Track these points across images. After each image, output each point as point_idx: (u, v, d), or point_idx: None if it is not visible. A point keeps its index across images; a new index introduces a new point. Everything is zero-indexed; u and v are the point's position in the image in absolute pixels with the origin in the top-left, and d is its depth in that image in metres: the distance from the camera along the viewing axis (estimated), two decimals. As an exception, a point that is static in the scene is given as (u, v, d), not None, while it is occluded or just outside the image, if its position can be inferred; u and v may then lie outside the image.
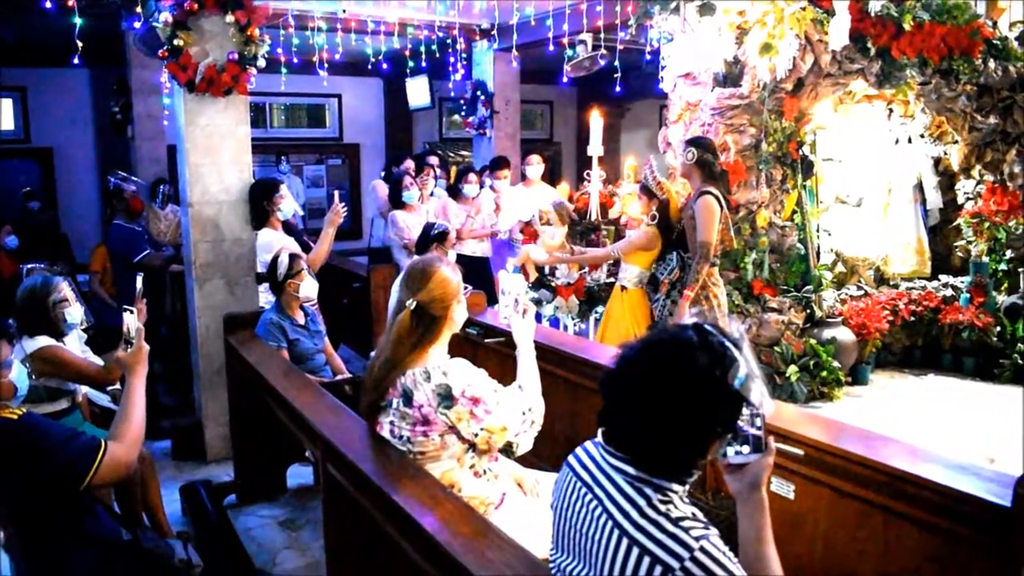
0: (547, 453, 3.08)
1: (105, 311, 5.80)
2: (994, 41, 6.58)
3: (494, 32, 8.30)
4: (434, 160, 7.49)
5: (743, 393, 1.54)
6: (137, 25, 6.30)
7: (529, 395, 2.61)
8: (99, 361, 3.81)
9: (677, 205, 5.07)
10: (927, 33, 6.04)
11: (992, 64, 6.54)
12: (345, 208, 5.05)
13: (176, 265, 6.35)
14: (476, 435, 2.43)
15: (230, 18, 4.74)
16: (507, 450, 2.54)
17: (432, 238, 5.11)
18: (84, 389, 3.87)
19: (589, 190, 6.07)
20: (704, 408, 1.53)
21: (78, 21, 4.81)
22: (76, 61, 4.73)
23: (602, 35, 6.79)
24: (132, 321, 2.76)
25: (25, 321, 3.58)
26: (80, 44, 4.60)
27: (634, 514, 1.52)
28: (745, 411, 1.57)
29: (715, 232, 4.67)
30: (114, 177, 6.37)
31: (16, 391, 2.60)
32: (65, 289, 3.70)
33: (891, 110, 7.02)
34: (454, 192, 7.06)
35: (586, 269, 5.80)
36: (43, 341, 3.56)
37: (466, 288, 2.72)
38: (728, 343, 1.57)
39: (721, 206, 4.73)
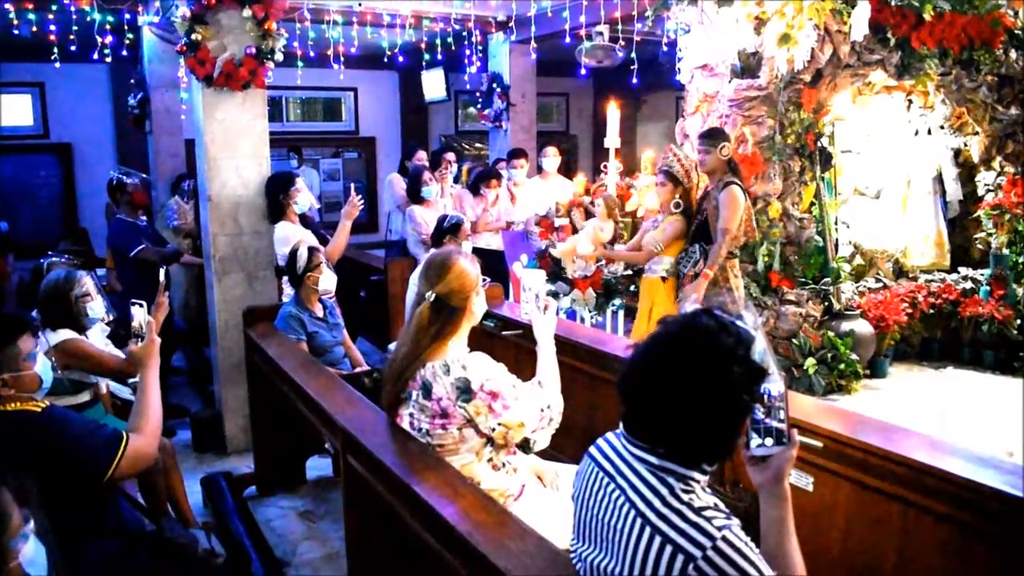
0: (566, 445, 3.09)
1: (121, 306, 5.83)
2: (1015, 31, 6.52)
3: (510, 24, 8.29)
4: (451, 156, 7.50)
5: (765, 366, 1.56)
6: (156, 19, 6.34)
7: (548, 392, 2.61)
8: (121, 355, 3.84)
9: (696, 195, 5.07)
10: (947, 23, 5.99)
11: (1013, 54, 6.49)
12: (361, 201, 5.07)
13: (191, 258, 6.38)
14: (493, 429, 2.44)
15: (247, 12, 4.76)
16: (524, 446, 2.55)
17: (446, 230, 5.12)
18: (106, 381, 3.91)
19: (606, 182, 6.07)
20: (738, 388, 1.54)
21: (97, 17, 4.83)
22: (97, 57, 4.75)
23: (619, 27, 6.77)
24: (141, 315, 2.77)
25: (48, 314, 3.62)
26: (98, 40, 4.62)
27: (656, 503, 1.53)
28: (766, 402, 1.58)
29: (737, 221, 4.67)
30: (116, 171, 6.41)
31: (41, 383, 2.63)
32: (88, 283, 3.74)
33: (911, 101, 6.97)
34: (474, 190, 7.07)
35: (602, 261, 5.80)
36: (65, 334, 3.60)
37: (484, 280, 2.73)
38: (738, 321, 1.59)
39: (744, 198, 4.74)
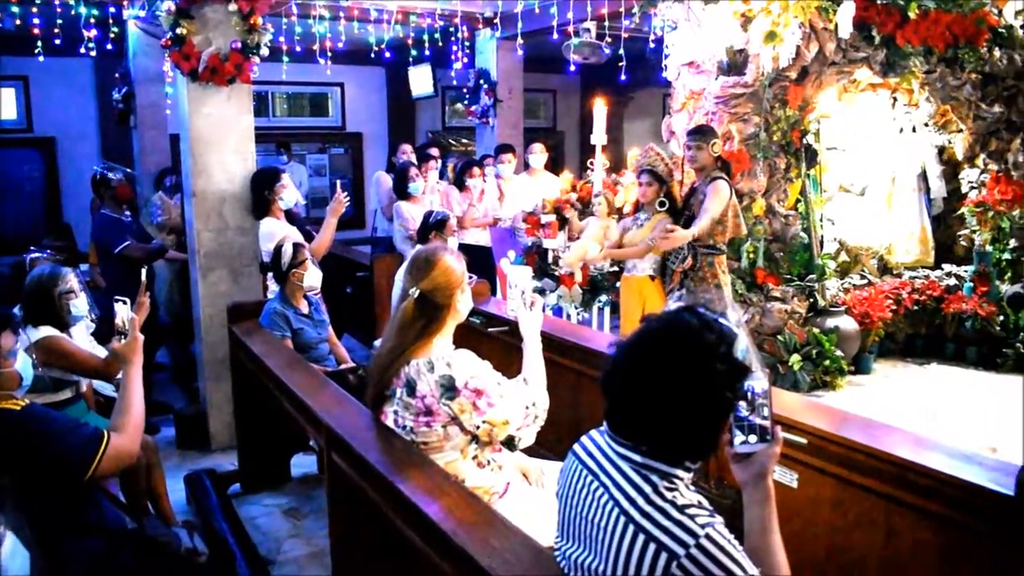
0: (551, 442, 3.09)
1: (104, 302, 5.75)
2: (999, 29, 6.56)
3: (497, 20, 8.27)
4: (435, 151, 7.50)
5: (747, 364, 1.57)
6: (141, 13, 6.29)
7: (533, 389, 2.60)
8: (103, 352, 3.81)
9: (680, 192, 5.07)
10: (932, 21, 6.02)
11: (997, 52, 6.53)
12: (347, 198, 5.05)
13: (176, 253, 6.33)
14: (478, 427, 2.43)
15: (233, 6, 4.72)
16: (509, 444, 2.54)
17: (431, 226, 5.12)
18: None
19: (592, 179, 6.06)
20: (720, 385, 1.54)
21: (82, 11, 4.79)
22: (82, 51, 4.71)
23: (606, 23, 6.77)
24: (125, 312, 2.75)
25: (31, 311, 3.59)
26: (85, 34, 4.59)
27: (640, 501, 1.53)
28: (750, 399, 1.58)
29: (720, 209, 4.67)
30: (100, 166, 6.35)
31: (21, 381, 2.60)
32: (72, 280, 3.70)
33: (895, 99, 7.00)
34: (458, 183, 7.07)
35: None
36: (46, 331, 3.57)
37: (471, 278, 2.72)
38: (721, 319, 1.60)
39: (731, 193, 4.75)
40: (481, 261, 6.06)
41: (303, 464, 4.76)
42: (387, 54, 7.53)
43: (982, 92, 6.66)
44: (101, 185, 5.92)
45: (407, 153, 7.62)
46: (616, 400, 1.64)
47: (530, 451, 2.84)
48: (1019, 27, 6.73)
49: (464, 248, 5.13)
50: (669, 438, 1.57)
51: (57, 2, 6.07)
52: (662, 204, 4.95)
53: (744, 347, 1.58)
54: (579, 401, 3.65)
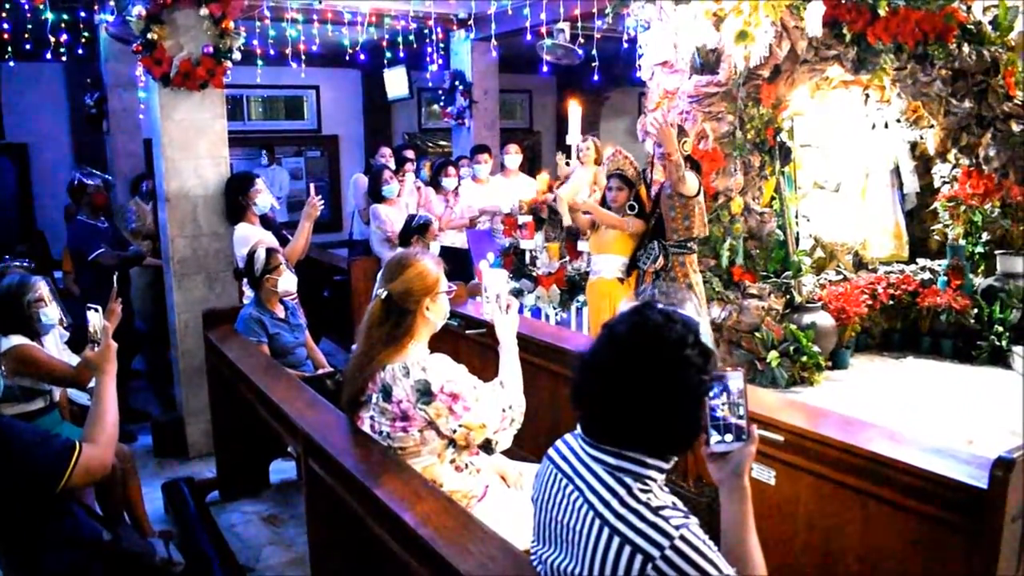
0: (529, 444, 3.09)
1: (78, 309, 5.66)
2: (968, 26, 6.61)
3: (471, 22, 8.26)
4: (410, 153, 7.48)
5: (711, 348, 1.60)
6: (111, 18, 6.23)
7: (510, 393, 2.60)
8: (75, 360, 3.77)
9: (645, 194, 5.08)
10: (902, 18, 6.07)
11: (966, 48, 6.58)
12: (322, 201, 5.02)
13: (152, 259, 6.27)
14: (454, 431, 2.42)
15: (204, 11, 4.69)
16: (486, 447, 2.53)
17: (413, 229, 5.11)
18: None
19: (570, 176, 6.07)
20: (697, 370, 1.56)
21: (49, 16, 4.74)
22: (50, 55, 4.65)
23: (579, 24, 6.78)
24: (97, 320, 2.71)
25: (0, 320, 3.54)
26: (52, 39, 4.54)
27: (614, 503, 1.53)
28: (725, 398, 1.58)
29: (693, 186, 4.68)
30: (78, 172, 6.30)
31: (-11, 392, 2.56)
32: (42, 289, 3.65)
33: (867, 95, 7.06)
34: (434, 184, 7.06)
35: (567, 258, 5.82)
36: (16, 340, 3.52)
37: (450, 288, 2.70)
38: (679, 310, 1.63)
39: (700, 188, 4.77)
40: (458, 263, 6.06)
41: (282, 470, 4.72)
42: (362, 56, 7.50)
43: (952, 88, 6.72)
44: (79, 192, 5.86)
45: (385, 156, 7.59)
46: (593, 407, 1.64)
47: (508, 453, 2.84)
48: (987, 23, 6.79)
49: (441, 251, 5.13)
50: (656, 435, 1.57)
51: (27, 6, 6.00)
52: (631, 208, 4.97)
53: (707, 330, 1.62)
54: (557, 403, 3.65)
